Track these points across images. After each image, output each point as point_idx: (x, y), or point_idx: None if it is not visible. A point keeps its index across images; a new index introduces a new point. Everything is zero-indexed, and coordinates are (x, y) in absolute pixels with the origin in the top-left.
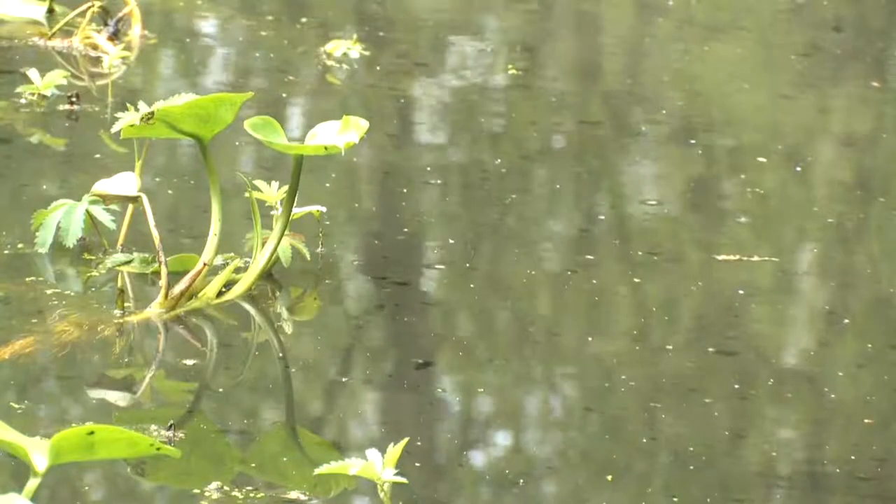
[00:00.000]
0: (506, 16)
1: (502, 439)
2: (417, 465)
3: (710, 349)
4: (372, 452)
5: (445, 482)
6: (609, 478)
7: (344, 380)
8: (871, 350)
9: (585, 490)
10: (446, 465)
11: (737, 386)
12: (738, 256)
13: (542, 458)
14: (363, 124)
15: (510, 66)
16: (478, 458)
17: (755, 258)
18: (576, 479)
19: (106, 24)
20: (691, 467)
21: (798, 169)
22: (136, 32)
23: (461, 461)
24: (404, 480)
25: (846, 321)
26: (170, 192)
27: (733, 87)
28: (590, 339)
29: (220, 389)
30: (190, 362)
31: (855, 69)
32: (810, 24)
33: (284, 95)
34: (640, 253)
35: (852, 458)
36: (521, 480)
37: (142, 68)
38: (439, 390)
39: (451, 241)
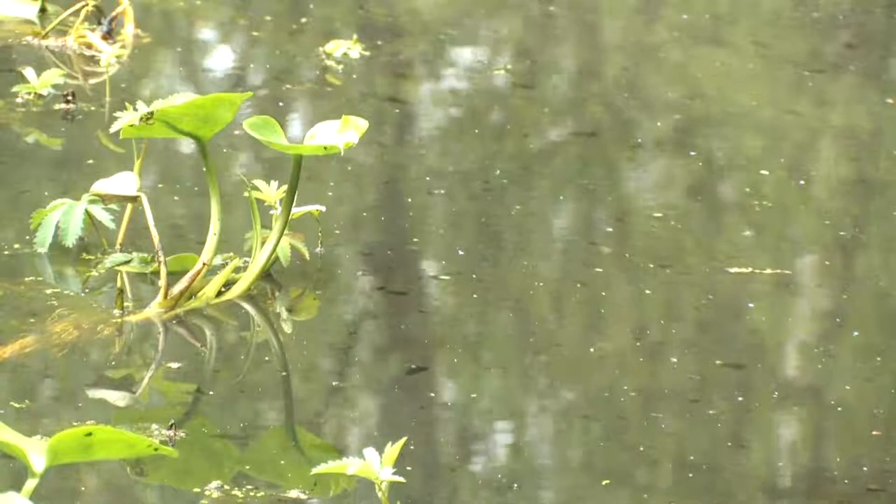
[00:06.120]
0: (506, 21)
1: (498, 444)
2: (409, 468)
3: (718, 361)
4: (369, 452)
5: (440, 485)
6: (605, 482)
7: (343, 380)
8: (879, 363)
9: (581, 493)
10: (441, 468)
11: (742, 398)
12: (749, 269)
13: (537, 462)
14: (362, 124)
15: (508, 71)
16: (473, 463)
17: (767, 271)
18: (571, 483)
19: (99, 23)
20: (690, 475)
21: (802, 182)
22: (129, 31)
23: (455, 465)
24: (402, 480)
25: (856, 333)
26: (168, 192)
27: (741, 102)
28: (592, 349)
29: (220, 389)
30: (189, 362)
31: (869, 85)
32: (823, 39)
33: (284, 96)
34: (650, 265)
35: (864, 469)
36: (516, 484)
37: (135, 67)
38: (432, 395)
39: (453, 251)
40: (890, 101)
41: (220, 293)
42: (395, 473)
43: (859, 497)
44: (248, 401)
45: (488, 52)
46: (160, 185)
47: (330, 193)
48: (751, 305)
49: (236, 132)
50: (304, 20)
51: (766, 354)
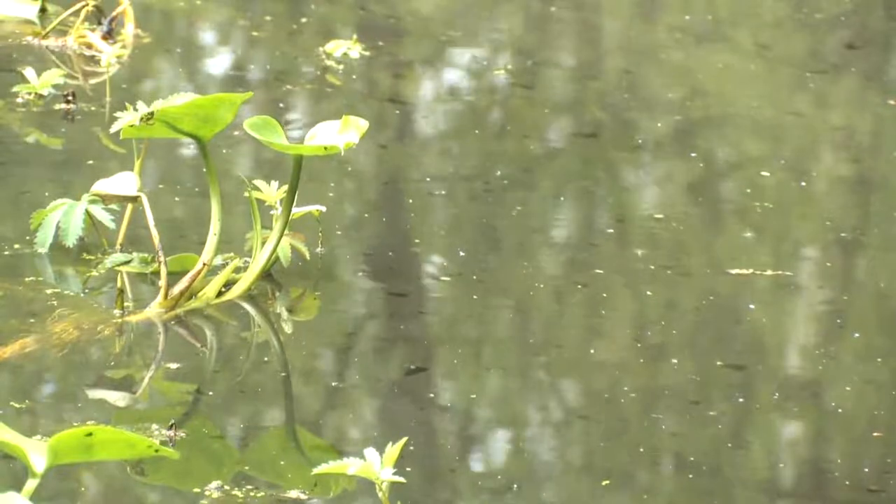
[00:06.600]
0: (507, 21)
1: (497, 445)
2: (409, 469)
3: (718, 362)
4: (370, 452)
5: (440, 486)
6: (605, 483)
7: (343, 381)
8: (880, 364)
9: (581, 494)
10: (441, 469)
11: (742, 399)
12: (750, 270)
13: (537, 462)
14: (363, 124)
15: (508, 71)
16: (472, 463)
17: (768, 272)
18: (571, 483)
19: (99, 23)
20: (691, 476)
21: (804, 183)
22: (129, 31)
23: (455, 466)
24: (402, 480)
25: (856, 335)
26: (168, 192)
27: (742, 103)
28: (592, 350)
29: (220, 389)
30: (189, 362)
31: (870, 86)
32: (825, 40)
33: (284, 96)
34: (651, 267)
35: (865, 470)
36: (516, 485)
37: (135, 67)
38: (431, 395)
39: (453, 252)
40: (891, 102)
41: (220, 293)
42: (395, 474)
43: (860, 498)
44: (248, 401)
45: (488, 53)
46: (160, 185)
47: (331, 194)
48: (751, 306)
49: (236, 132)
50: (304, 20)
51: (767, 355)
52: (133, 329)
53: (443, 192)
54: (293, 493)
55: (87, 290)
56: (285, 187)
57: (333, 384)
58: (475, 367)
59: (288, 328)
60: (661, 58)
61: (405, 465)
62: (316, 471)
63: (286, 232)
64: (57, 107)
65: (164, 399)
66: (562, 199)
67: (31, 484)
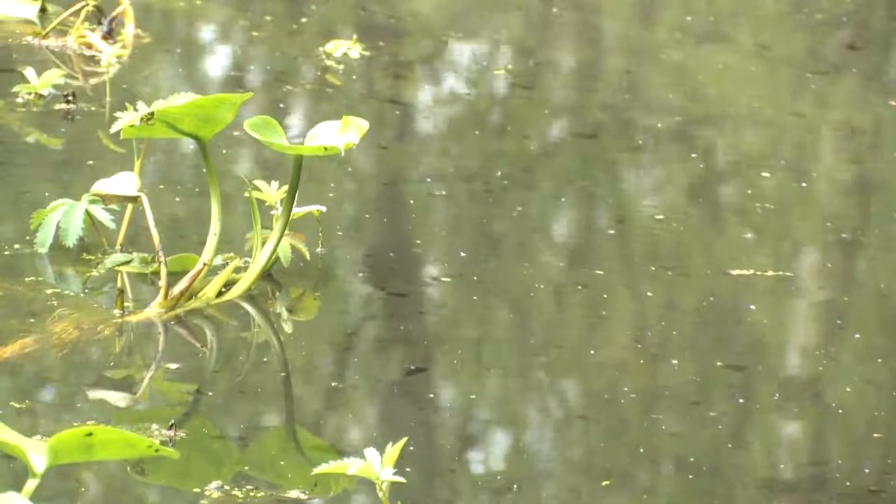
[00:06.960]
0: (507, 21)
1: (497, 445)
2: (408, 469)
3: (719, 363)
4: (370, 452)
5: (440, 486)
6: (605, 483)
7: (343, 381)
8: (880, 364)
9: (581, 495)
10: (441, 469)
11: (742, 399)
12: (751, 271)
13: (537, 463)
14: (363, 125)
15: (509, 71)
16: (472, 464)
17: (768, 273)
18: (571, 484)
19: (99, 23)
20: (691, 476)
21: (804, 184)
22: (129, 31)
23: (454, 466)
24: (402, 480)
25: (856, 335)
26: (169, 192)
27: (742, 104)
28: (592, 351)
29: (220, 389)
30: (189, 362)
31: (871, 87)
32: (826, 40)
33: (284, 96)
34: (651, 267)
35: (865, 470)
36: (516, 486)
37: (135, 67)
38: (431, 395)
39: (454, 252)
40: (892, 102)
41: (220, 293)
42: (395, 474)
43: (860, 499)
44: (247, 401)
45: (489, 53)
46: (160, 186)
47: (331, 194)
48: (752, 307)
49: (236, 132)
50: (304, 20)
51: (767, 356)
52: (133, 329)
53: (443, 193)
54: (293, 493)
55: (87, 290)
56: (285, 187)
57: (333, 384)
58: (475, 367)
59: (288, 328)
60: (661, 58)
61: (405, 465)
62: (316, 471)
63: (286, 232)
64: (57, 107)
65: (164, 399)
66: (562, 199)
67: (31, 484)
